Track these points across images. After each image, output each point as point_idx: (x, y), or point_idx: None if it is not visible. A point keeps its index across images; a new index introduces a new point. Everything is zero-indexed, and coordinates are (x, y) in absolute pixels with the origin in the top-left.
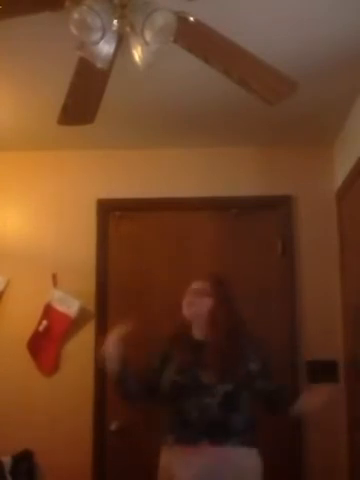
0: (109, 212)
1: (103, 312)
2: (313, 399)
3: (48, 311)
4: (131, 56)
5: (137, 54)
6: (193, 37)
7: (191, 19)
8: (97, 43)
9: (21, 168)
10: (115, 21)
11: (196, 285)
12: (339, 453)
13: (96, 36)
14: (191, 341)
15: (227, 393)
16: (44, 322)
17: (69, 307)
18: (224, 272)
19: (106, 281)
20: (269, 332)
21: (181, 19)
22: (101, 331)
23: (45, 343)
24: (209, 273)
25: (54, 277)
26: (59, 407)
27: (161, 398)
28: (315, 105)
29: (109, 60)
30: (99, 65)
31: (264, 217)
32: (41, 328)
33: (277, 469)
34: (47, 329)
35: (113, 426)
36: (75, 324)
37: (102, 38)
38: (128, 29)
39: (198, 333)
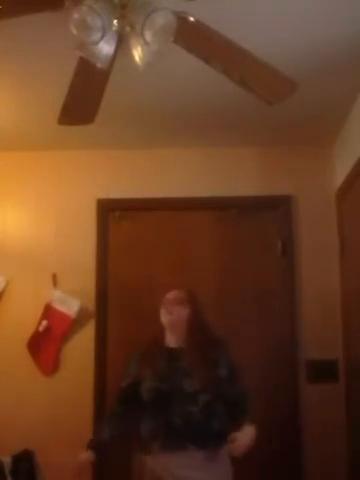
0: (109, 212)
1: (103, 312)
2: (242, 438)
3: (48, 311)
4: (131, 56)
5: (137, 54)
6: (193, 37)
7: (191, 19)
8: (97, 43)
9: (21, 168)
10: (115, 21)
11: (171, 295)
12: (339, 453)
13: (96, 36)
14: (166, 349)
15: (208, 400)
16: (44, 322)
17: (69, 307)
18: (223, 269)
19: (106, 281)
20: (269, 332)
21: (181, 19)
22: (101, 331)
23: (45, 343)
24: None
25: (54, 277)
26: (59, 407)
27: (142, 406)
28: (315, 105)
29: (109, 60)
30: (99, 65)
31: (264, 217)
32: (41, 328)
33: (277, 469)
34: (47, 329)
35: None
36: (75, 324)
37: (102, 38)
38: (128, 29)
39: (173, 341)
